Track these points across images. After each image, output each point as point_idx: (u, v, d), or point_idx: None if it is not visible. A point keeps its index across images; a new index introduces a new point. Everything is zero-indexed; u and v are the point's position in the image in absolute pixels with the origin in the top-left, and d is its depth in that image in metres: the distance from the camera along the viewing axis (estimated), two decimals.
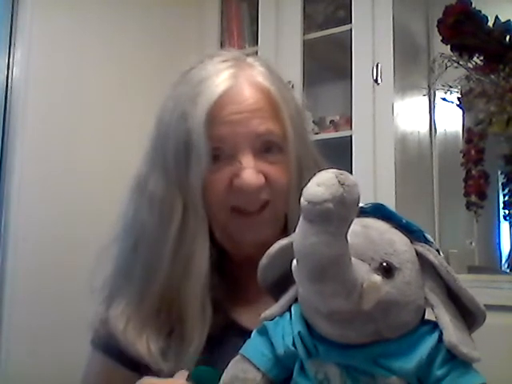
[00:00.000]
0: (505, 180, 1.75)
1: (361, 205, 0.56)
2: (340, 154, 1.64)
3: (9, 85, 1.74)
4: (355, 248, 0.52)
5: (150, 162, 0.76)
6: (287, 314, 0.59)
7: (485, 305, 0.54)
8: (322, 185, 0.46)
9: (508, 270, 1.79)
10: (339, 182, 0.45)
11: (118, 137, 1.91)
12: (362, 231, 0.55)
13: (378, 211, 0.57)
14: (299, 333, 0.55)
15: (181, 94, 0.73)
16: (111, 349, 0.74)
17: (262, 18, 2.07)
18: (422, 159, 1.92)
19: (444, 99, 1.80)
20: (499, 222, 2.00)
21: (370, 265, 0.52)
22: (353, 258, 0.49)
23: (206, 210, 0.72)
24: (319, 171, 0.48)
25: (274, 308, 0.61)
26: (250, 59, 0.78)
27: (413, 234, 0.57)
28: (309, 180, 0.48)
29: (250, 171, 0.70)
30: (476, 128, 1.68)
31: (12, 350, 1.62)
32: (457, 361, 0.51)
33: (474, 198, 1.69)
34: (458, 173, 1.73)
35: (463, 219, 1.92)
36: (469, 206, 1.70)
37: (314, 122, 2.00)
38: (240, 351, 0.59)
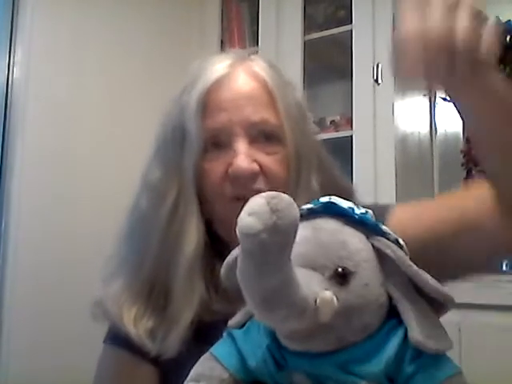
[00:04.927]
0: None
1: (311, 205, 0.55)
2: (340, 154, 1.62)
3: (9, 85, 1.74)
4: (306, 256, 0.50)
5: (153, 154, 0.78)
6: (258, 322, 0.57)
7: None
8: (253, 214, 0.44)
9: (508, 270, 1.78)
10: (271, 208, 0.43)
11: (120, 137, 1.91)
12: (313, 236, 0.53)
13: (329, 209, 0.55)
14: (267, 346, 0.54)
15: (182, 85, 0.75)
16: (116, 338, 0.74)
17: (263, 18, 2.07)
18: (422, 159, 1.92)
19: (444, 99, 1.80)
20: None
21: (323, 274, 0.50)
22: (304, 270, 0.48)
23: (205, 199, 0.73)
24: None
25: (239, 316, 0.59)
26: (253, 56, 0.79)
27: (368, 227, 0.55)
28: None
29: (242, 157, 0.69)
30: None
31: (12, 348, 1.62)
32: (427, 354, 0.50)
33: None
34: (459, 173, 1.73)
35: None
36: None
37: (314, 122, 2.00)
38: (210, 349, 0.59)
